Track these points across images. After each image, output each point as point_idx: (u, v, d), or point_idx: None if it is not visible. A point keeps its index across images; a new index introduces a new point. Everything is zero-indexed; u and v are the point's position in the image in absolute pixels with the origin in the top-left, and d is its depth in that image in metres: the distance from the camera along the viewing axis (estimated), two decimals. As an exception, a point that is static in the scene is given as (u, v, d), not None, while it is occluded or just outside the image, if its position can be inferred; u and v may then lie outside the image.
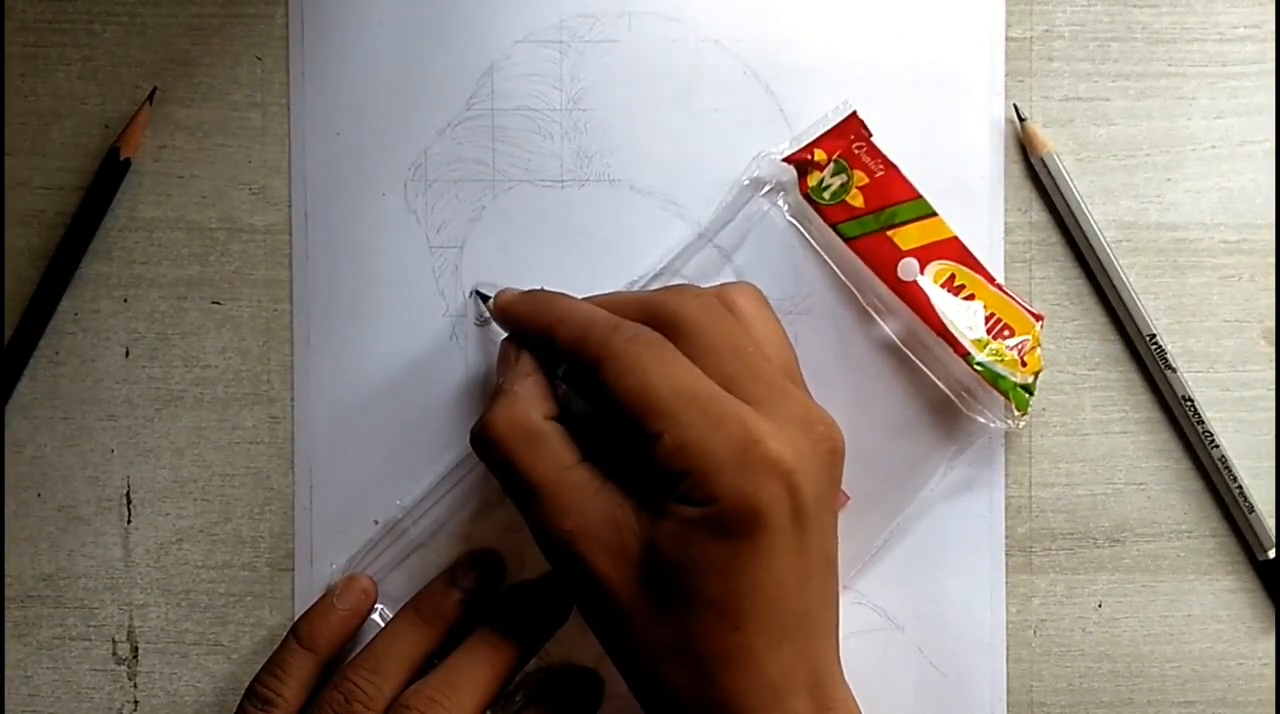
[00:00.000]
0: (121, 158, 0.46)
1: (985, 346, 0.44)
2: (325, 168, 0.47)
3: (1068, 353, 0.47)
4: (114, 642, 0.47)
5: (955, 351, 0.44)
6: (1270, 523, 0.46)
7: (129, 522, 0.47)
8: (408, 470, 0.47)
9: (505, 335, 0.44)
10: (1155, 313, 0.46)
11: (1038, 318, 0.45)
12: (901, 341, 0.45)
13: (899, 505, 0.46)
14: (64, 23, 0.47)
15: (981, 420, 0.45)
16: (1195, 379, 0.46)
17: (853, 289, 0.46)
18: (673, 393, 0.38)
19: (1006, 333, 0.44)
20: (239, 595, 0.47)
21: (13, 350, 0.46)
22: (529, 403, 0.41)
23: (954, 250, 0.45)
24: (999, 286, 0.45)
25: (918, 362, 0.45)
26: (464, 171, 0.47)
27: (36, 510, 0.47)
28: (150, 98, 0.46)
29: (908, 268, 0.45)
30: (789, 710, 0.38)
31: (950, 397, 0.45)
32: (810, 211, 0.45)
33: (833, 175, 0.45)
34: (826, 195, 0.45)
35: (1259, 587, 0.47)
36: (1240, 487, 0.46)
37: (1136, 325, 0.46)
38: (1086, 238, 0.46)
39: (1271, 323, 0.47)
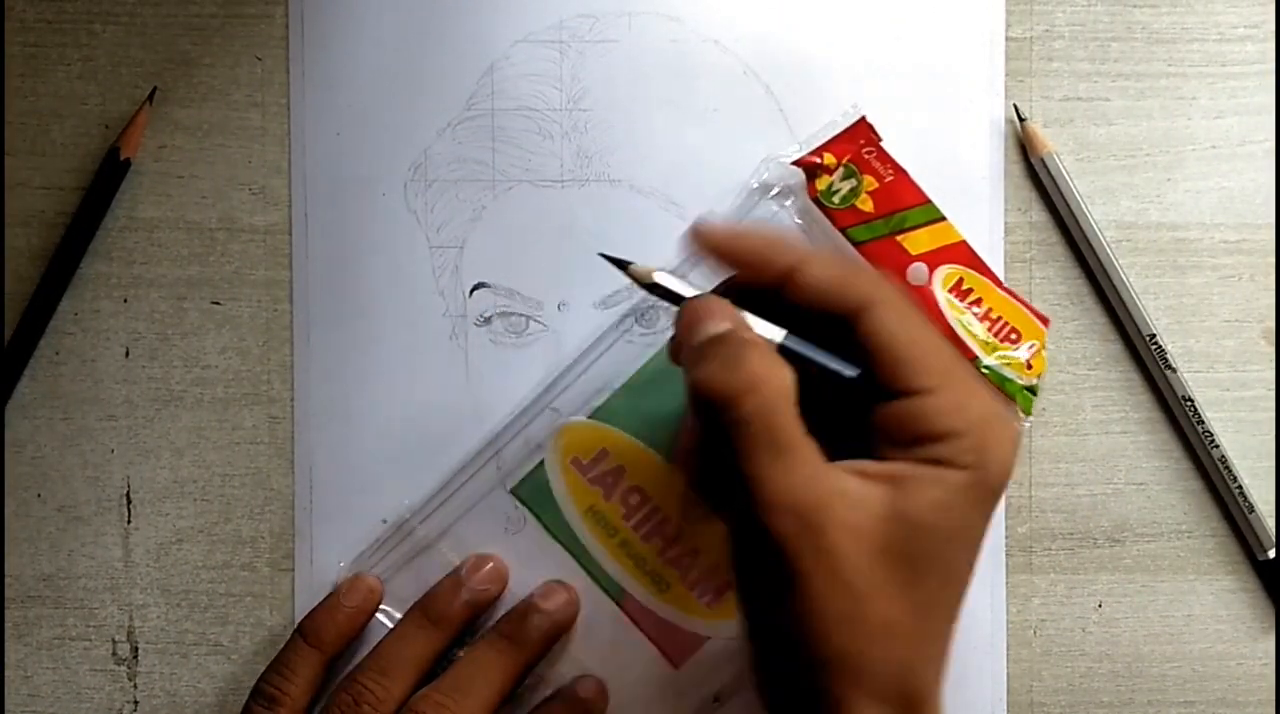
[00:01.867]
0: (121, 158, 0.46)
1: (993, 351, 0.44)
2: (325, 168, 0.47)
3: (1068, 353, 0.47)
4: (114, 642, 0.47)
5: (963, 355, 0.44)
6: (1270, 523, 0.46)
7: (129, 522, 0.47)
8: (408, 470, 0.47)
9: (691, 296, 0.39)
10: (1155, 313, 0.46)
11: (1044, 321, 0.45)
12: None
13: None
14: (64, 23, 0.47)
15: None
16: (1195, 379, 0.46)
17: None
18: (943, 349, 0.37)
19: (1014, 337, 0.45)
20: (239, 595, 0.47)
21: (13, 350, 0.46)
22: (779, 367, 0.36)
23: (963, 255, 0.45)
24: (1008, 290, 0.45)
25: None
26: (464, 171, 0.47)
27: (36, 511, 0.47)
28: (150, 98, 0.46)
29: (917, 273, 0.45)
30: (937, 680, 0.36)
31: None
32: (819, 215, 0.45)
33: (842, 179, 0.45)
34: (836, 199, 0.45)
35: (1259, 587, 0.47)
36: (1240, 486, 0.46)
37: (1136, 325, 0.46)
38: (1086, 238, 0.46)
39: (1271, 323, 0.47)
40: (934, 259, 0.45)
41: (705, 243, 0.39)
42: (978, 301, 0.45)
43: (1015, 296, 0.45)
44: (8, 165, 0.47)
